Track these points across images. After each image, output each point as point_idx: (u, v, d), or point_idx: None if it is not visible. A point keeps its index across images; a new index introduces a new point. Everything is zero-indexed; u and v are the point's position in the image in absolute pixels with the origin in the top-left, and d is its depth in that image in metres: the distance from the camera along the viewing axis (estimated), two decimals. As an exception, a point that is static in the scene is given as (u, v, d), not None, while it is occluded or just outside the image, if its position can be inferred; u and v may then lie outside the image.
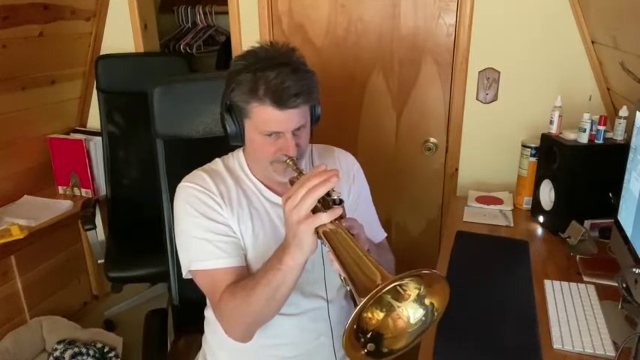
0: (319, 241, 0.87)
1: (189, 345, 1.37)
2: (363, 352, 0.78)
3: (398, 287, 0.79)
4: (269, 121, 0.98)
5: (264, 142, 1.02)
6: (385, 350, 0.80)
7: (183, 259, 1.09)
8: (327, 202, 0.86)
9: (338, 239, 0.83)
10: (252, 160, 1.12)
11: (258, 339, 1.06)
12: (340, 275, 0.83)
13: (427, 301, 0.80)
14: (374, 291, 0.71)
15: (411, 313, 0.80)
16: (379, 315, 0.80)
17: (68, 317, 2.21)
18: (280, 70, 0.95)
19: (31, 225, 2.03)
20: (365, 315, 0.79)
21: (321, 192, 0.84)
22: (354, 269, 0.78)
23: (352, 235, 0.86)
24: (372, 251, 1.00)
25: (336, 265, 0.83)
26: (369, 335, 0.79)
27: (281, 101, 0.95)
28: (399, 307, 0.80)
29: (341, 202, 0.87)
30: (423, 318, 0.80)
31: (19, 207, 2.20)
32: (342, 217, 0.86)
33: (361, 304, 0.71)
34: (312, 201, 0.84)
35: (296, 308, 1.12)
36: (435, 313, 0.80)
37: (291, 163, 1.00)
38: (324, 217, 0.84)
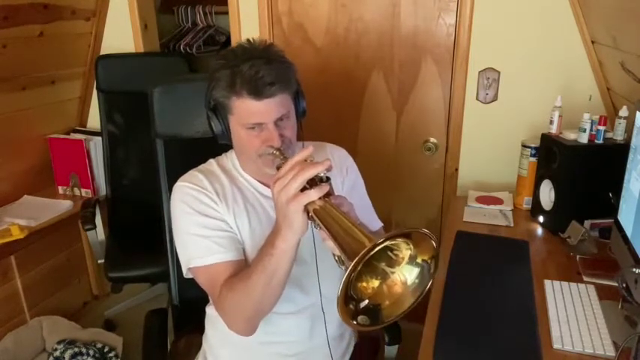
0: (311, 226, 0.88)
1: (189, 345, 1.37)
2: (355, 322, 0.79)
3: (390, 253, 0.80)
4: (249, 112, 1.00)
5: (248, 136, 1.03)
6: (387, 319, 0.81)
7: (183, 258, 1.09)
8: (313, 181, 0.87)
9: (328, 214, 0.84)
10: (242, 157, 1.13)
11: (258, 336, 1.06)
12: (334, 256, 0.83)
13: (420, 259, 0.81)
14: (363, 252, 0.71)
15: (406, 275, 0.81)
16: (374, 283, 0.81)
17: (68, 317, 2.21)
18: (254, 62, 0.97)
19: (31, 225, 2.03)
20: (360, 284, 0.79)
21: (311, 173, 0.85)
22: (345, 238, 0.79)
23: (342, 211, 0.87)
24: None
25: (330, 243, 0.83)
26: (362, 305, 0.80)
27: (257, 91, 0.97)
28: (393, 272, 0.81)
29: (328, 179, 0.88)
30: (418, 279, 0.81)
31: (19, 207, 2.20)
32: (329, 194, 0.87)
33: (351, 265, 0.72)
34: (301, 181, 0.85)
35: (295, 306, 1.12)
36: (432, 265, 0.81)
37: (277, 153, 1.01)
38: (313, 194, 0.84)
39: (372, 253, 0.73)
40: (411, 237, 0.79)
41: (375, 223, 1.31)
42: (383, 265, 0.80)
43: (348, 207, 0.93)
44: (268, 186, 1.12)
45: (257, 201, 1.12)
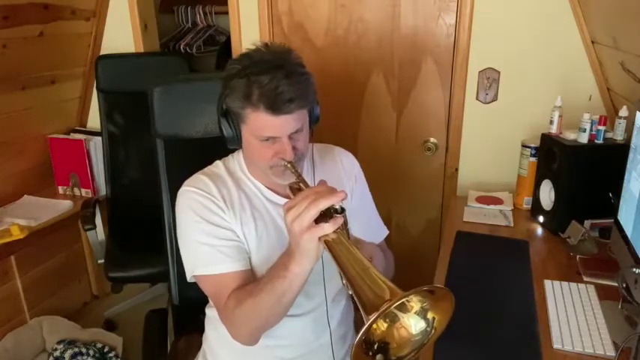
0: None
1: (189, 345, 1.37)
2: None
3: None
4: (264, 126, 0.97)
5: (261, 147, 1.01)
6: (393, 358, 0.80)
7: (187, 264, 1.08)
8: (328, 211, 0.85)
9: (341, 250, 0.82)
10: (251, 163, 1.11)
11: (260, 339, 1.05)
12: (342, 279, 0.82)
13: (430, 315, 0.79)
14: (382, 309, 0.70)
15: (412, 323, 0.79)
16: (383, 326, 0.79)
17: (68, 317, 2.21)
18: (274, 75, 0.94)
19: (31, 225, 2.03)
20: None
21: (325, 204, 0.83)
22: (359, 282, 0.77)
23: (354, 241, 0.85)
24: (377, 256, 0.99)
25: (338, 269, 0.82)
26: (375, 346, 0.78)
27: (275, 107, 0.94)
28: (402, 317, 0.79)
29: (343, 210, 0.86)
30: (428, 329, 0.80)
31: (19, 207, 2.20)
32: (344, 224, 0.85)
33: (369, 322, 0.70)
34: (315, 212, 0.83)
35: (299, 309, 1.11)
36: (434, 330, 0.79)
37: (289, 166, 1.00)
38: (327, 228, 0.83)
39: (391, 307, 0.72)
40: (433, 293, 0.76)
41: (380, 231, 1.29)
42: (393, 308, 0.78)
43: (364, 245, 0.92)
44: (276, 191, 1.11)
45: (264, 207, 1.11)
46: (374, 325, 0.78)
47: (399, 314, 0.79)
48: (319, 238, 0.84)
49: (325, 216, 0.84)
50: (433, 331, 0.80)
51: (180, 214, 1.08)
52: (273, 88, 0.93)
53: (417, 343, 0.80)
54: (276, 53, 0.99)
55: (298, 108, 0.97)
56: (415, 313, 0.79)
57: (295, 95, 0.95)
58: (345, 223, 0.87)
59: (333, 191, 0.85)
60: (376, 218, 1.30)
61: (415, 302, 0.78)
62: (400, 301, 0.73)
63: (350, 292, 0.79)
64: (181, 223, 1.08)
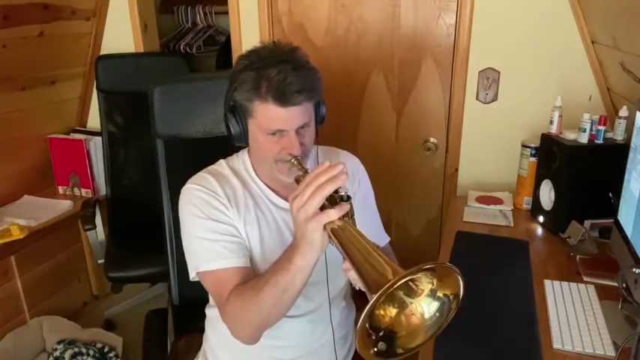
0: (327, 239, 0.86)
1: (189, 345, 1.37)
2: (372, 351, 0.76)
3: (410, 283, 0.77)
4: (272, 118, 0.98)
5: (268, 142, 1.01)
6: (400, 350, 0.78)
7: (190, 262, 1.08)
8: (334, 199, 0.84)
9: (347, 235, 0.82)
10: (257, 161, 1.11)
11: (260, 340, 1.05)
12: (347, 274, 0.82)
13: (441, 294, 0.78)
14: (386, 286, 0.69)
15: (424, 308, 0.78)
16: (392, 312, 0.78)
17: (68, 317, 2.21)
18: (282, 67, 0.95)
19: (31, 225, 2.03)
20: (377, 312, 0.77)
21: (329, 189, 0.83)
22: (365, 266, 0.77)
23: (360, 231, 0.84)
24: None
25: (346, 263, 0.82)
26: (381, 334, 0.77)
27: (283, 98, 0.95)
28: (411, 303, 0.78)
29: (349, 198, 0.85)
30: (438, 313, 0.78)
31: (19, 207, 2.20)
32: (349, 213, 0.85)
33: (373, 300, 0.69)
34: (320, 199, 0.82)
35: (297, 310, 1.11)
36: (453, 303, 0.78)
37: (295, 162, 0.99)
38: (333, 214, 0.82)
39: (395, 286, 0.71)
40: (434, 270, 0.76)
41: (382, 238, 1.29)
42: (401, 293, 0.77)
43: None
44: (280, 195, 1.11)
45: (268, 209, 1.10)
46: (381, 312, 0.77)
47: (408, 300, 0.78)
48: (325, 226, 0.83)
49: (331, 204, 0.84)
50: (455, 302, 0.78)
51: (183, 212, 1.08)
52: (282, 79, 0.94)
53: (431, 329, 0.79)
54: (284, 49, 1.00)
55: (306, 100, 0.98)
56: (426, 295, 0.78)
57: (303, 87, 0.95)
58: (352, 211, 0.86)
59: (334, 175, 0.83)
60: (379, 225, 1.29)
61: (424, 284, 0.77)
62: (405, 279, 0.72)
63: (357, 288, 0.78)
64: (184, 220, 1.08)
